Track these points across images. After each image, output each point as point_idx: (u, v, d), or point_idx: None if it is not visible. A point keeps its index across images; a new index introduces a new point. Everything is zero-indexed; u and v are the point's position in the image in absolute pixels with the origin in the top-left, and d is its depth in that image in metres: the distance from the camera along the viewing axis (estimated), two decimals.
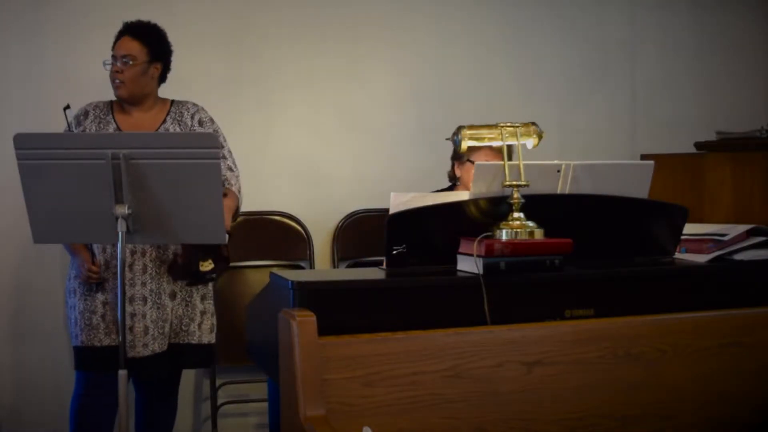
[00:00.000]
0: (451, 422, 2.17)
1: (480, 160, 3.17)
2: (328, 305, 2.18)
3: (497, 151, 3.14)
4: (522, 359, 2.24)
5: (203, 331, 3.19)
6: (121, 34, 3.13)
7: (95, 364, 3.04)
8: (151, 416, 3.29)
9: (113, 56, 3.09)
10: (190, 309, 3.16)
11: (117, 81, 3.09)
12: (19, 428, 3.66)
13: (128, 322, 3.03)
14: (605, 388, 2.30)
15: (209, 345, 3.23)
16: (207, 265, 3.12)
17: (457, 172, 3.33)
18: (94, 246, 3.06)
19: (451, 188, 3.35)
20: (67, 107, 2.81)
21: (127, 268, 3.04)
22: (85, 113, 3.12)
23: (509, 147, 3.12)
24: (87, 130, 3.07)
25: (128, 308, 3.04)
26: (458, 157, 3.31)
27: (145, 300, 3.06)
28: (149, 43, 3.13)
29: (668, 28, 4.50)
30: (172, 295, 3.12)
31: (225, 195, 3.00)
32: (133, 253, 3.06)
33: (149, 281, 3.08)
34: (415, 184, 3.63)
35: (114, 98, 3.17)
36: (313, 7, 3.97)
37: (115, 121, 3.12)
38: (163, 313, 3.09)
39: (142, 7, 3.42)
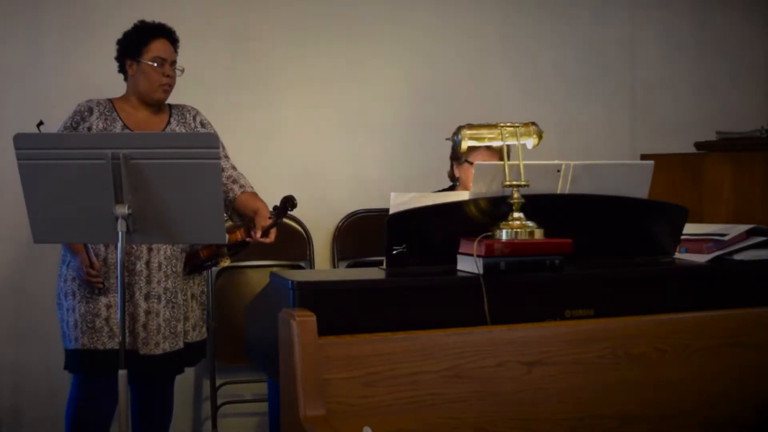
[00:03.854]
0: (451, 422, 2.17)
1: (478, 161, 3.17)
2: (328, 305, 2.18)
3: (495, 152, 3.14)
4: (522, 359, 2.24)
5: (197, 328, 3.23)
6: (159, 35, 3.14)
7: (97, 367, 3.04)
8: (149, 414, 3.30)
9: (162, 59, 3.11)
10: (186, 308, 3.18)
11: (167, 86, 3.14)
12: (19, 429, 3.66)
13: (143, 319, 3.05)
14: (605, 388, 2.30)
15: (202, 342, 3.28)
16: (225, 262, 3.16)
17: (456, 173, 3.33)
18: (91, 247, 3.06)
19: (451, 188, 3.35)
20: (41, 123, 2.80)
21: (144, 265, 3.07)
22: (89, 109, 3.11)
23: (507, 147, 3.13)
24: (93, 127, 3.07)
25: (143, 305, 3.05)
26: (457, 157, 3.31)
27: (159, 298, 3.08)
28: (176, 50, 3.20)
29: (668, 28, 4.50)
30: (182, 294, 3.15)
31: (254, 194, 3.20)
32: (150, 250, 3.07)
33: (164, 279, 3.09)
34: (415, 184, 3.64)
35: (110, 97, 3.18)
36: (313, 7, 3.98)
37: (121, 119, 3.13)
38: (176, 312, 3.10)
39: (142, 7, 3.42)
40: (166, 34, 3.17)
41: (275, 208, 3.10)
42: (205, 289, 3.33)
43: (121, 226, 2.41)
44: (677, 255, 2.63)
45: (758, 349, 2.44)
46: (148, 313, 3.06)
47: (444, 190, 3.33)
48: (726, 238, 2.60)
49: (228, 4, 3.88)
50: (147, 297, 3.06)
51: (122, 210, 2.40)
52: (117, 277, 3.02)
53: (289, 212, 3.16)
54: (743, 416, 2.41)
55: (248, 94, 3.89)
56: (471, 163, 3.21)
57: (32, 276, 3.63)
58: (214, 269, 3.81)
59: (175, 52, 3.19)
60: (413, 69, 4.12)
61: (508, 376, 2.22)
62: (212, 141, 2.45)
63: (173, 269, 3.12)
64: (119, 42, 3.17)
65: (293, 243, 3.93)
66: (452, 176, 3.38)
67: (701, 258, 2.59)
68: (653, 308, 2.41)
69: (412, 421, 2.14)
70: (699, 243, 2.62)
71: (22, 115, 3.57)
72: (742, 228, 2.66)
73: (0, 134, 3.35)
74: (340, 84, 4.01)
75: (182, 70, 3.19)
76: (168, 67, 3.13)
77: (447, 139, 2.91)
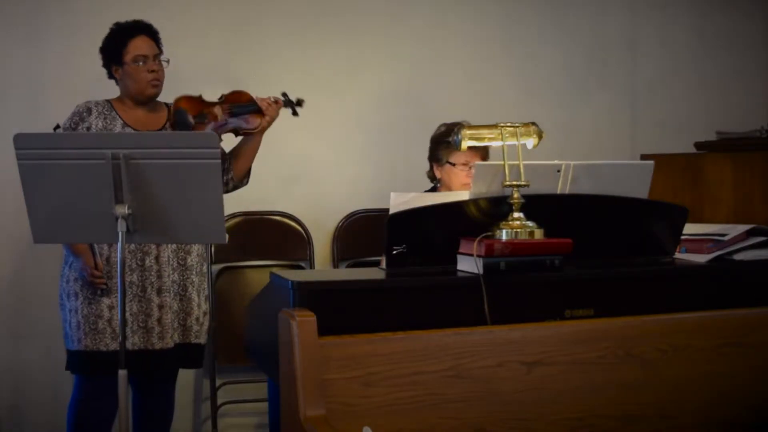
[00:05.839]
0: (451, 422, 2.17)
1: (459, 162, 3.17)
2: (328, 305, 2.18)
3: (474, 152, 3.11)
4: (522, 359, 2.24)
5: (203, 330, 3.23)
6: (135, 33, 3.13)
7: (100, 368, 3.04)
8: (149, 413, 3.29)
9: (143, 56, 3.10)
10: (192, 307, 3.18)
11: (155, 81, 3.12)
12: (19, 428, 3.66)
13: (157, 314, 3.07)
14: (605, 388, 2.29)
15: (204, 345, 3.28)
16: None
17: (437, 174, 3.30)
18: (95, 247, 3.06)
19: (433, 189, 3.33)
20: (57, 127, 2.81)
21: (153, 260, 3.08)
22: (88, 110, 3.12)
23: (486, 148, 3.13)
24: (93, 126, 3.07)
25: (156, 300, 3.07)
26: (437, 159, 3.28)
27: (169, 291, 3.10)
28: (158, 43, 3.19)
29: (668, 28, 4.50)
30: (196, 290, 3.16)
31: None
32: (158, 244, 3.08)
33: (172, 272, 3.11)
34: (415, 184, 3.62)
35: (109, 98, 3.18)
36: (313, 6, 3.98)
37: (120, 117, 3.13)
38: (185, 305, 3.11)
39: (141, 6, 3.42)
40: (142, 30, 3.14)
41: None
42: (206, 285, 3.31)
43: (121, 226, 2.41)
44: (677, 255, 2.63)
45: (758, 349, 2.44)
46: (161, 307, 3.07)
47: (428, 191, 3.32)
48: (726, 238, 2.60)
49: (226, 3, 3.88)
50: (159, 291, 3.08)
51: (122, 210, 2.40)
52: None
53: (293, 107, 3.29)
54: (743, 416, 2.41)
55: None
56: (453, 164, 3.21)
57: (32, 276, 3.63)
58: (214, 269, 3.82)
59: (157, 45, 3.17)
60: (413, 68, 4.12)
61: (508, 376, 2.22)
62: (212, 141, 2.45)
63: (180, 262, 3.13)
64: (101, 50, 3.17)
65: (293, 243, 3.93)
66: (432, 177, 3.36)
67: (701, 258, 2.59)
68: (653, 308, 2.41)
69: (412, 421, 2.14)
70: (699, 243, 2.62)
71: (23, 115, 3.58)
72: (742, 228, 2.65)
73: (0, 134, 3.35)
74: (339, 83, 4.01)
75: (168, 61, 3.17)
76: (151, 62, 3.12)
77: (450, 140, 2.90)
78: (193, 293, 3.17)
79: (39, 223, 2.50)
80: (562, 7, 4.33)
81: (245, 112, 3.23)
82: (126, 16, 3.20)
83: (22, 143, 2.41)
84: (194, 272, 3.18)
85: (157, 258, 3.09)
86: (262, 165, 3.82)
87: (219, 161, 2.43)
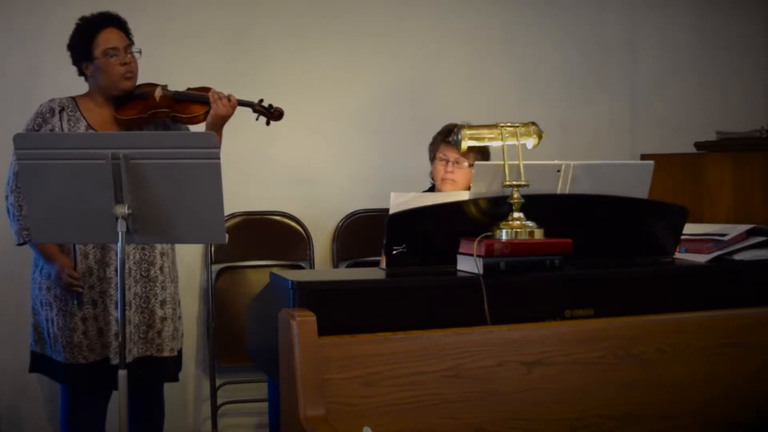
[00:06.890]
0: (451, 422, 2.17)
1: (438, 156, 3.22)
2: (328, 305, 2.18)
3: (451, 146, 3.14)
4: (522, 359, 2.24)
5: (164, 338, 3.12)
6: (102, 26, 3.01)
7: (82, 380, 3.03)
8: (141, 416, 3.26)
9: (114, 48, 2.98)
10: (155, 320, 3.11)
11: (129, 73, 3.02)
12: (19, 428, 3.66)
13: (114, 328, 3.00)
14: (605, 388, 2.30)
15: (171, 358, 3.16)
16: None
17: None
18: (77, 252, 3.02)
19: (432, 189, 3.36)
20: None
21: (113, 272, 3.02)
22: (51, 110, 3.04)
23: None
24: (56, 129, 3.00)
25: (114, 314, 3.00)
26: (429, 156, 3.34)
27: (130, 304, 3.03)
28: (128, 33, 3.08)
29: (668, 28, 4.50)
30: (159, 302, 3.11)
31: None
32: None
33: (134, 284, 3.06)
34: (415, 184, 3.63)
35: (73, 95, 3.11)
36: (313, 6, 3.98)
37: (84, 118, 3.05)
38: (146, 317, 3.07)
39: (140, 6, 3.42)
40: (109, 22, 3.02)
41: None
42: (177, 296, 3.21)
43: (121, 226, 2.41)
44: (677, 255, 2.63)
45: (758, 349, 2.44)
46: (118, 321, 3.03)
47: (426, 190, 3.34)
48: (726, 238, 2.60)
49: (227, 3, 3.88)
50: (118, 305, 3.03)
51: (122, 210, 2.40)
52: (91, 287, 3.00)
53: (266, 115, 3.18)
54: (743, 416, 2.41)
55: (247, 92, 3.88)
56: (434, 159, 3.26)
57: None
58: (214, 269, 3.82)
59: (127, 36, 3.05)
60: (413, 68, 4.12)
61: (508, 376, 2.22)
62: (212, 141, 2.45)
63: (143, 274, 3.08)
64: (68, 47, 3.07)
65: (293, 243, 3.93)
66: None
67: (701, 258, 2.59)
68: (653, 308, 2.41)
69: (412, 421, 2.14)
70: (699, 243, 2.62)
71: (23, 115, 3.57)
72: (742, 228, 2.65)
73: (0, 134, 3.35)
74: (339, 83, 4.01)
75: (140, 52, 3.06)
76: (123, 54, 3.00)
77: (450, 139, 2.89)
78: (156, 306, 3.08)
79: (39, 223, 2.50)
80: (562, 7, 4.34)
81: (188, 99, 3.09)
82: (128, 16, 3.18)
83: (22, 143, 2.41)
84: (158, 284, 3.10)
85: (117, 270, 3.02)
86: (262, 165, 3.83)
87: (219, 161, 2.43)
